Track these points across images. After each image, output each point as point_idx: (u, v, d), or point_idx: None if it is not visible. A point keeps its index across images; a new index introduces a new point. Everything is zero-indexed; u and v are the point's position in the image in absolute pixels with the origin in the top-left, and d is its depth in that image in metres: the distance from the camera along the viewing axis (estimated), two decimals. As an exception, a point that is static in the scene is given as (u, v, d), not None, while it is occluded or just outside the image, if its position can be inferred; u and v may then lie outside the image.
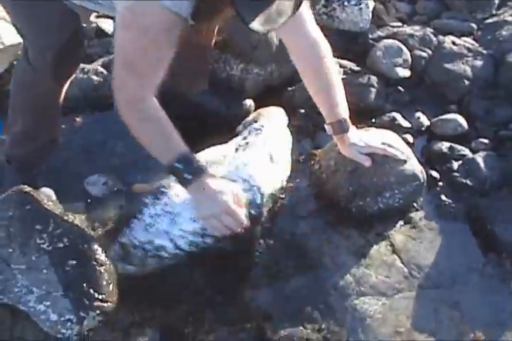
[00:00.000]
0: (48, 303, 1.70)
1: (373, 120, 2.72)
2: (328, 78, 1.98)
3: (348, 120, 2.03)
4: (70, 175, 2.36)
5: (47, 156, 2.25)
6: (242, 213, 1.79)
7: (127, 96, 1.70)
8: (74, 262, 1.74)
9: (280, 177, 2.18)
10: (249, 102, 2.64)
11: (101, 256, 1.79)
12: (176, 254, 1.92)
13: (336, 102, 2.00)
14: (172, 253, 1.91)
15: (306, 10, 1.89)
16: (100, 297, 1.74)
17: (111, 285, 1.78)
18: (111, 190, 2.30)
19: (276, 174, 2.16)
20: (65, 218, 1.84)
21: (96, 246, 1.79)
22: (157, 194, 1.95)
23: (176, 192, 1.93)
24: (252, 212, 1.94)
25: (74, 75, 2.06)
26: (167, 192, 1.94)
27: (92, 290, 1.73)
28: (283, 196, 2.27)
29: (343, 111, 2.02)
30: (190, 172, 1.74)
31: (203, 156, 2.05)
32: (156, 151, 1.76)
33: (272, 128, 2.29)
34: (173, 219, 1.90)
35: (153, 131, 1.73)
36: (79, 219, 2.01)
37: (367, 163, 2.06)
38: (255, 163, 2.06)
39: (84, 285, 1.72)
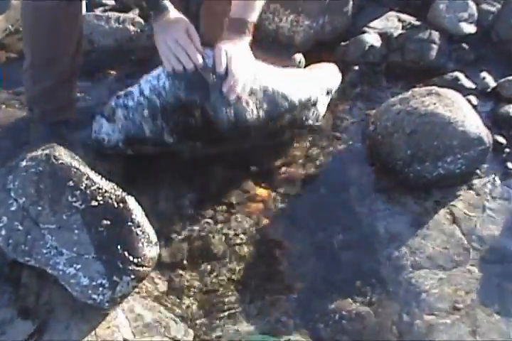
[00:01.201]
0: (79, 266, 1.65)
1: (434, 79, 2.62)
2: None
3: (251, 27, 1.98)
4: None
5: (62, 95, 2.21)
6: (193, 47, 1.89)
7: None
8: (108, 222, 1.68)
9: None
10: (299, 57, 2.57)
11: (137, 216, 1.72)
12: (140, 104, 1.99)
13: (247, 4, 1.98)
14: (136, 100, 1.99)
15: None
16: (136, 261, 1.68)
17: (147, 248, 1.71)
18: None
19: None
20: (99, 175, 1.78)
21: (132, 206, 1.73)
22: None
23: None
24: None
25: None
26: None
27: (126, 253, 1.68)
28: (329, 157, 2.26)
29: (250, 15, 1.98)
30: (152, 8, 1.93)
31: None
32: None
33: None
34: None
35: None
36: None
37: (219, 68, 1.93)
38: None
39: (119, 247, 1.67)
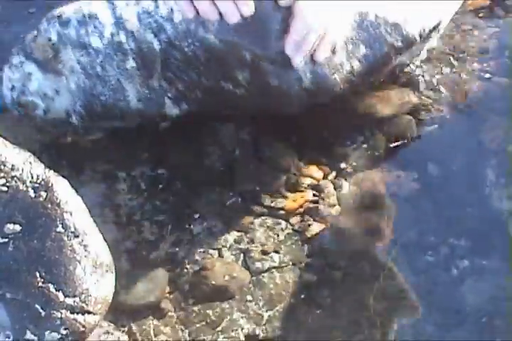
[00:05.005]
0: (-42, 313, 1.41)
1: None
2: None
3: None
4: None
5: None
6: None
7: None
8: (17, 227, 1.49)
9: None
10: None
11: (75, 215, 1.52)
12: (116, 44, 1.75)
13: None
14: (107, 38, 1.74)
15: None
16: (71, 302, 1.46)
17: (93, 278, 1.49)
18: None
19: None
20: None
21: (65, 196, 1.53)
22: None
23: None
24: None
25: None
26: None
27: (52, 287, 1.46)
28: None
29: None
30: None
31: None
32: None
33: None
34: None
35: None
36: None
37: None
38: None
39: (37, 275, 1.46)
